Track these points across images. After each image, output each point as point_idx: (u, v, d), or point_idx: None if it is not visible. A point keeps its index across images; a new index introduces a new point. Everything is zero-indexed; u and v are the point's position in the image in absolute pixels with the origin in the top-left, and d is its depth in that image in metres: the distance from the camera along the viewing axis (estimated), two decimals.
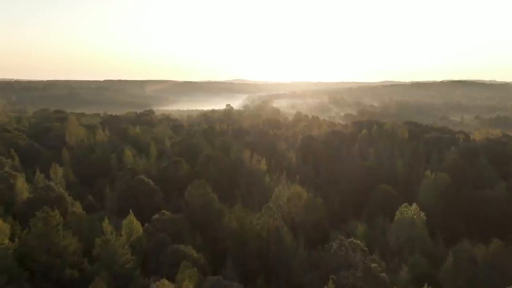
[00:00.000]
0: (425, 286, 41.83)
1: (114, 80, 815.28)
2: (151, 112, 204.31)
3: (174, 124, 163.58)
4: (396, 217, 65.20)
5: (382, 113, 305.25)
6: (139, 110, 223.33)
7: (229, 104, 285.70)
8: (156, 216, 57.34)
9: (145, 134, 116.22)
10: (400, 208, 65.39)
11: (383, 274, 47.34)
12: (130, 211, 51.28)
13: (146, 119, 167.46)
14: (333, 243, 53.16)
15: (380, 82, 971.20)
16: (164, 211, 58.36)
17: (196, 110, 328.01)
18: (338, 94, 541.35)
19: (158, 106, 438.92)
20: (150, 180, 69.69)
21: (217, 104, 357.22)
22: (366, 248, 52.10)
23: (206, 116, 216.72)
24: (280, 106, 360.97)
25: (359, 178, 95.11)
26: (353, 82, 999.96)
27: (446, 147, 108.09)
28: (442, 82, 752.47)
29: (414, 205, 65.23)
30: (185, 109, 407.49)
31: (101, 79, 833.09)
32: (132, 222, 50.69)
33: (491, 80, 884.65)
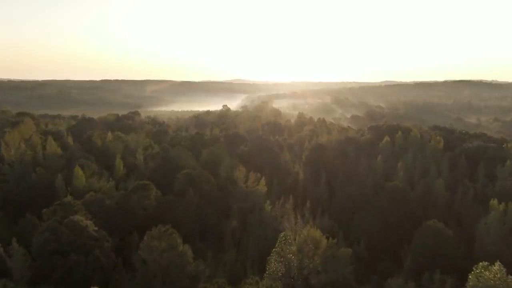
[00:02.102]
0: None
1: (111, 80, 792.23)
2: (136, 114, 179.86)
3: (158, 129, 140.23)
4: (471, 282, 42.21)
5: (391, 114, 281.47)
6: (132, 111, 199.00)
7: (226, 105, 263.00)
8: None
9: (114, 144, 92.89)
10: (475, 268, 42.41)
11: None
12: None
13: (126, 123, 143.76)
14: None
15: (382, 82, 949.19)
16: None
17: (192, 111, 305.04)
18: (340, 94, 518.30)
19: (154, 107, 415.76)
20: (90, 223, 46.07)
21: (216, 104, 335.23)
22: None
23: (199, 118, 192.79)
24: (281, 107, 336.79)
25: (388, 205, 72.18)
26: (354, 82, 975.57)
27: (496, 161, 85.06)
28: (445, 82, 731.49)
29: (497, 264, 42.23)
30: (180, 109, 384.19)
31: (98, 79, 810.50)
32: None
33: (492, 80, 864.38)
